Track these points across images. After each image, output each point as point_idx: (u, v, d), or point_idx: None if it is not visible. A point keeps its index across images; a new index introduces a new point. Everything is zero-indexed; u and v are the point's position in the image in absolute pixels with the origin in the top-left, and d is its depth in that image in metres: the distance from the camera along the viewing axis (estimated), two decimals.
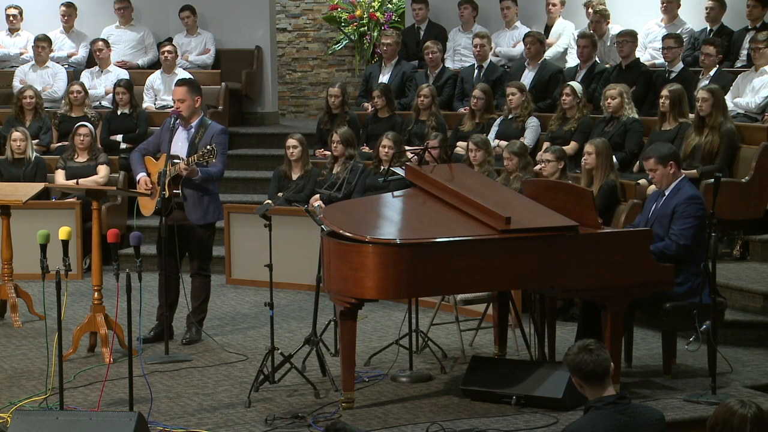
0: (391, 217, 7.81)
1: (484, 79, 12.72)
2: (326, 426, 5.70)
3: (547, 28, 13.41)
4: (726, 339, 8.63)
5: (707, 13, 12.46)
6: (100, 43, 14.09)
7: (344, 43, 17.78)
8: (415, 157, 9.10)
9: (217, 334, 9.34)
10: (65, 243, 7.29)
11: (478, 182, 8.23)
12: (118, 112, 13.18)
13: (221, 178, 9.23)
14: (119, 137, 13.03)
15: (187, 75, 13.20)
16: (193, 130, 9.06)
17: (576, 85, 11.62)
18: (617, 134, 10.86)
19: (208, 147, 8.72)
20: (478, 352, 8.56)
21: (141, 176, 9.09)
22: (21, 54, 14.67)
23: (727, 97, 10.95)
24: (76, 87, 13.17)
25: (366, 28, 17.53)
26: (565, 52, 13.20)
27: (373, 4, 17.61)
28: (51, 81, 14.01)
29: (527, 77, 12.55)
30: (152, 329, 9.15)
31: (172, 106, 9.42)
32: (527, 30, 13.22)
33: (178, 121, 9.02)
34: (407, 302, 8.48)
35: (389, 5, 17.61)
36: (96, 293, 8.63)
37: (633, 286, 7.41)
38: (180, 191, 8.92)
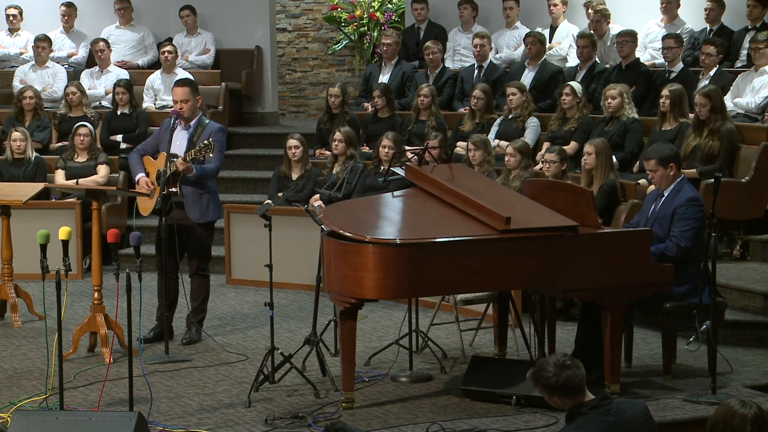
0: (391, 217, 7.81)
1: (484, 79, 12.72)
2: (326, 426, 5.70)
3: (552, 29, 13.40)
4: (726, 339, 8.63)
5: (706, 14, 12.47)
6: (102, 43, 14.09)
7: (344, 43, 17.79)
8: (415, 157, 9.10)
9: (217, 334, 9.34)
10: (65, 243, 7.29)
11: (478, 182, 8.23)
12: (118, 112, 13.18)
13: (217, 175, 9.21)
14: (119, 137, 13.03)
15: (187, 75, 13.19)
16: (191, 129, 9.06)
17: (576, 85, 11.62)
18: (617, 134, 10.86)
19: (205, 142, 8.71)
20: (478, 352, 8.56)
21: (140, 176, 9.10)
22: (21, 54, 14.68)
23: (727, 98, 10.95)
24: (72, 88, 13.16)
25: (366, 28, 17.53)
26: (566, 54, 13.20)
27: (373, 4, 17.62)
28: (51, 81, 14.02)
29: (527, 77, 12.56)
30: (152, 329, 9.15)
31: (172, 106, 9.41)
32: (528, 30, 13.22)
33: (177, 121, 9.02)
34: (407, 302, 8.48)
35: (389, 5, 17.62)
36: (96, 293, 8.63)
37: (633, 286, 7.41)
38: (178, 190, 8.92)
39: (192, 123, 9.07)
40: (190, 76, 12.64)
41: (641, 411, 5.28)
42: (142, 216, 9.44)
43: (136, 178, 9.14)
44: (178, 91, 9.08)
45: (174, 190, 8.89)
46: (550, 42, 13.22)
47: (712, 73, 11.37)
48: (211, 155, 8.77)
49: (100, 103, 13.85)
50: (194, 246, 9.11)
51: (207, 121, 9.18)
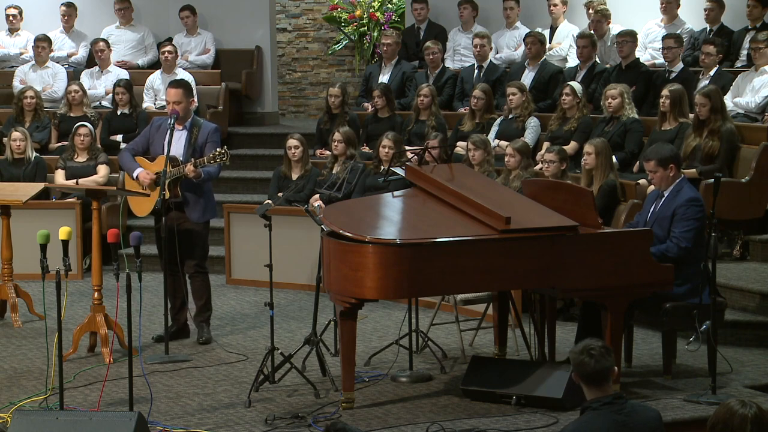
0: (391, 217, 7.81)
1: (484, 79, 12.72)
2: (326, 426, 5.71)
3: (552, 30, 13.39)
4: (726, 339, 8.62)
5: (706, 14, 12.46)
6: (102, 43, 14.09)
7: (344, 43, 17.79)
8: (415, 157, 9.10)
9: (217, 334, 9.33)
10: (65, 243, 7.29)
11: (478, 182, 8.23)
12: (118, 112, 13.19)
13: (217, 177, 9.23)
14: (119, 137, 13.03)
15: (187, 75, 13.20)
16: (186, 130, 9.05)
17: (576, 85, 11.62)
18: (617, 134, 10.86)
19: (219, 150, 8.72)
20: (478, 352, 8.56)
21: (139, 171, 9.03)
22: (21, 54, 14.67)
23: (727, 97, 10.95)
24: (74, 87, 13.18)
25: (366, 28, 17.53)
26: (566, 55, 13.20)
27: (373, 4, 17.61)
28: (51, 81, 14.02)
29: (527, 77, 12.56)
30: (168, 328, 9.14)
31: None
32: (528, 30, 13.22)
33: (175, 122, 9.00)
34: (407, 302, 8.48)
35: (389, 5, 17.62)
36: (96, 293, 8.63)
37: (633, 286, 7.41)
38: (180, 192, 8.91)
39: (186, 124, 9.06)
40: (190, 77, 12.67)
41: (654, 418, 5.26)
42: (135, 217, 9.41)
43: (135, 174, 9.07)
44: (171, 92, 9.04)
45: (176, 191, 8.88)
46: (550, 42, 13.22)
47: (712, 73, 11.37)
48: (228, 163, 8.79)
49: (100, 103, 13.85)
50: (194, 245, 9.09)
51: (201, 121, 9.17)
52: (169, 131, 8.88)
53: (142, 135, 9.31)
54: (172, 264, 8.98)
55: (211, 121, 10.33)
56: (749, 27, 12.20)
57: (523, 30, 13.43)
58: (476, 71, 12.99)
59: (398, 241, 7.16)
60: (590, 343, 5.29)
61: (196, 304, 9.21)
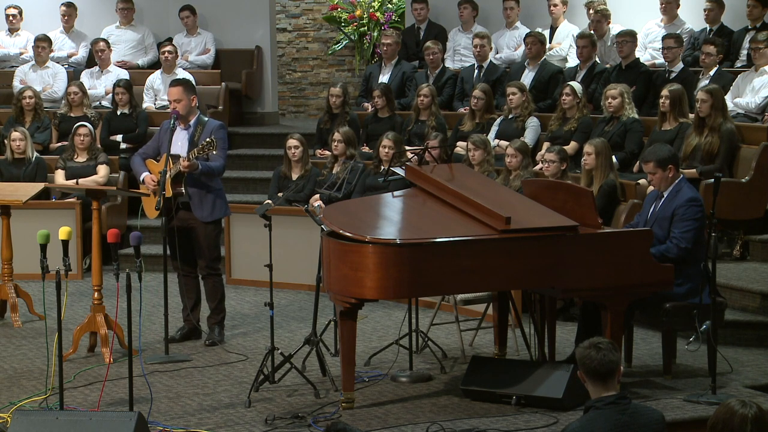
0: (391, 217, 7.81)
1: (484, 79, 12.72)
2: (326, 426, 5.72)
3: (552, 30, 13.39)
4: (726, 339, 8.63)
5: (706, 14, 12.47)
6: (102, 43, 14.09)
7: (344, 43, 17.79)
8: (415, 157, 9.10)
9: None
10: (65, 243, 7.29)
11: (478, 182, 8.23)
12: (118, 112, 13.18)
13: (223, 173, 9.11)
14: (119, 137, 13.04)
15: (187, 75, 13.20)
16: (191, 128, 9.05)
17: (576, 85, 11.62)
18: (617, 134, 10.86)
19: (208, 140, 8.71)
20: (478, 352, 8.56)
21: (144, 175, 9.06)
22: (21, 54, 14.68)
23: (727, 97, 10.94)
24: (73, 88, 13.18)
25: (366, 28, 17.53)
26: (566, 55, 13.20)
27: (373, 4, 17.62)
28: (51, 81, 14.01)
29: (527, 77, 12.56)
30: (179, 330, 9.13)
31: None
32: (528, 30, 13.22)
33: (177, 122, 9.00)
34: (407, 302, 8.48)
35: (389, 5, 17.62)
36: (96, 293, 8.63)
37: (633, 286, 7.41)
38: (184, 190, 8.90)
39: (191, 122, 9.07)
40: (190, 77, 12.66)
41: (656, 420, 5.25)
42: (145, 217, 9.43)
43: (141, 178, 9.11)
44: (171, 90, 9.09)
45: (180, 189, 8.88)
46: (550, 42, 13.22)
47: (712, 73, 11.38)
48: (214, 152, 8.77)
49: (100, 103, 13.85)
50: (203, 245, 9.06)
51: (206, 119, 9.17)
52: (169, 131, 8.91)
53: (153, 139, 9.31)
54: (184, 264, 8.98)
55: None
56: (749, 27, 12.20)
57: (523, 30, 13.44)
58: (476, 71, 12.99)
59: (398, 241, 7.16)
60: (598, 339, 5.29)
61: (208, 306, 9.21)
